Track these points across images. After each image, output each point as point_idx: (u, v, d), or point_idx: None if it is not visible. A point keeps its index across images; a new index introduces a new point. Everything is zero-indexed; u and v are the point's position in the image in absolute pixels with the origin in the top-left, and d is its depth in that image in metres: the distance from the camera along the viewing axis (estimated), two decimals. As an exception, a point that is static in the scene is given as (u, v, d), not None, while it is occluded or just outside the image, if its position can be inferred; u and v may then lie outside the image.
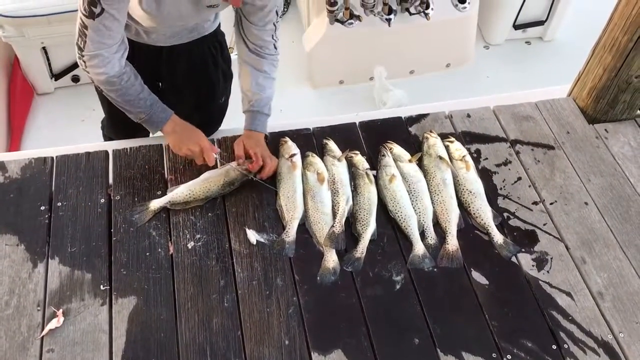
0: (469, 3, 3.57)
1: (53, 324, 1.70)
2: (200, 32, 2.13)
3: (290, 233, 1.92)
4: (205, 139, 2.01)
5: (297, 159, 2.10)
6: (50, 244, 1.88)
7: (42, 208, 1.96)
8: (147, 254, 1.87)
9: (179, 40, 2.09)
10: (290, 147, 2.13)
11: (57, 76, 3.52)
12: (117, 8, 1.70)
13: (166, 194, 2.00)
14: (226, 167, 2.03)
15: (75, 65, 3.48)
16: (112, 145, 2.19)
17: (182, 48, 2.12)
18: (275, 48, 2.06)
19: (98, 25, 1.72)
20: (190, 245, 1.90)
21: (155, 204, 1.97)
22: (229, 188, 2.02)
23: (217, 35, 2.23)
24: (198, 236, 1.92)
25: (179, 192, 1.98)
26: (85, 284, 1.79)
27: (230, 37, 2.36)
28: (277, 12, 1.96)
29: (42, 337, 1.69)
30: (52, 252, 1.86)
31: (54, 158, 2.10)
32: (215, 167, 2.04)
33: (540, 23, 3.99)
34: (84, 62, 1.82)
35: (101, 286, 1.79)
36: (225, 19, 2.25)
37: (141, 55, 2.04)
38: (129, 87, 1.88)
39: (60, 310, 1.73)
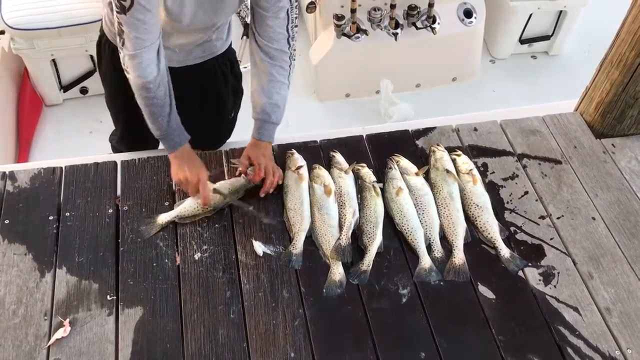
0: (475, 17, 3.59)
1: (60, 334, 1.71)
2: (213, 51, 2.12)
3: (297, 245, 1.92)
4: (206, 174, 1.98)
5: (304, 171, 2.10)
6: (58, 254, 1.89)
7: (51, 218, 1.97)
8: (154, 264, 1.87)
9: (192, 60, 2.09)
10: (297, 159, 2.14)
11: (65, 88, 3.55)
12: None
13: (173, 207, 2.00)
14: (229, 181, 2.06)
15: (83, 77, 3.52)
16: (120, 156, 2.20)
17: (193, 69, 2.11)
18: (289, 44, 1.96)
19: (131, 20, 1.70)
20: (197, 256, 1.90)
21: (163, 218, 1.97)
22: (235, 196, 2.03)
23: (228, 55, 2.21)
24: (205, 247, 1.92)
25: (187, 206, 1.98)
26: (92, 294, 1.80)
27: (239, 50, 2.37)
28: (290, 0, 1.88)
29: (49, 347, 1.69)
30: (60, 261, 1.87)
31: (63, 168, 2.11)
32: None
33: (546, 38, 4.01)
34: (125, 62, 1.81)
35: (108, 296, 1.80)
36: (235, 35, 2.26)
37: None
38: (161, 98, 1.86)
39: (67, 320, 1.73)
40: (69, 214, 1.98)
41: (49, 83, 3.49)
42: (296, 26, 1.96)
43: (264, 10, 1.89)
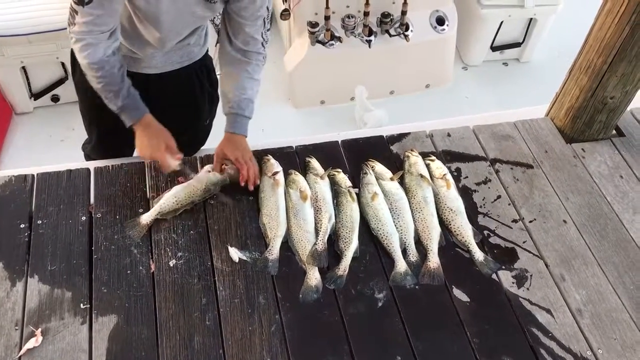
0: (447, 25, 3.64)
1: (31, 344, 1.67)
2: (190, 57, 2.13)
3: (273, 251, 1.92)
4: (174, 141, 1.98)
5: (280, 176, 2.10)
6: (29, 262, 1.86)
7: (22, 226, 1.94)
8: (128, 272, 1.85)
9: (170, 66, 2.09)
10: (273, 165, 2.14)
11: (36, 95, 3.50)
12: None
13: (150, 208, 1.99)
14: (207, 172, 2.06)
15: (55, 85, 3.47)
16: (93, 163, 2.17)
17: (171, 75, 2.11)
18: (263, 47, 2.04)
19: (87, 11, 1.72)
20: (171, 263, 1.89)
21: (146, 218, 1.96)
22: (212, 190, 2.04)
23: (205, 60, 2.23)
24: (180, 254, 1.91)
25: (166, 202, 1.98)
26: (65, 303, 1.77)
27: (214, 57, 2.37)
28: (267, 8, 1.94)
29: (20, 357, 1.66)
30: (32, 270, 1.84)
31: (35, 176, 2.08)
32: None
33: (517, 45, 4.08)
34: (72, 39, 1.82)
35: (81, 304, 1.77)
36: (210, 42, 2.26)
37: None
38: (109, 77, 1.87)
39: (39, 330, 1.70)
40: (41, 221, 1.95)
41: (19, 91, 3.43)
42: (269, 30, 2.02)
43: (243, 19, 1.94)
